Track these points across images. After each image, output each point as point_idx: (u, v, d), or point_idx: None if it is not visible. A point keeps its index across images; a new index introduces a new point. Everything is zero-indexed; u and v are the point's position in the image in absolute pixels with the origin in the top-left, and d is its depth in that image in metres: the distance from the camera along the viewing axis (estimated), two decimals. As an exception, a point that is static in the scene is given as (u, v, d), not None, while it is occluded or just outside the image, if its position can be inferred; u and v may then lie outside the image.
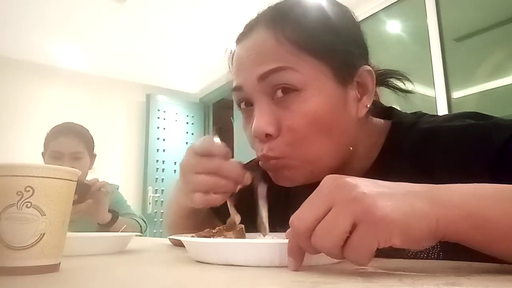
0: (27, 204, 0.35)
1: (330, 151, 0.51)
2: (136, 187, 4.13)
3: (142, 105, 4.36)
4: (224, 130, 4.89)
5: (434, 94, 2.15)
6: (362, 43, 0.57)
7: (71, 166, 0.40)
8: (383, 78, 0.60)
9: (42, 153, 1.54)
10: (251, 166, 0.54)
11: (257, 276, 0.34)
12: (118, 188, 1.71)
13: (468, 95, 2.06)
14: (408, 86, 0.60)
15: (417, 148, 0.52)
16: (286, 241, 0.38)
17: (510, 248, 0.33)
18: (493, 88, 1.94)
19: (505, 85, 1.89)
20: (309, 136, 0.50)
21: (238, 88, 0.55)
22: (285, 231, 0.38)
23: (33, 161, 0.39)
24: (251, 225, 0.54)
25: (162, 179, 4.19)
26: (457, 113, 0.55)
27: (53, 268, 0.37)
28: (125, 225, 1.34)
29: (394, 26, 2.53)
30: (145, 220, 1.64)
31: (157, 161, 4.21)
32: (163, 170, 4.22)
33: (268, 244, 0.40)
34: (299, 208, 0.36)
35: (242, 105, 0.57)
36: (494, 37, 1.98)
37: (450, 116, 0.55)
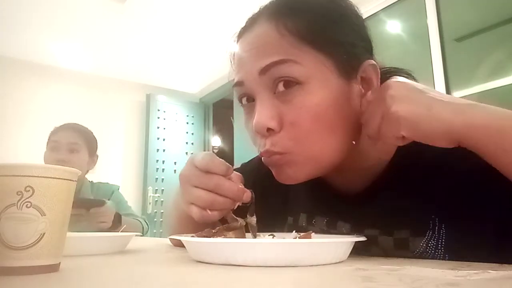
0: (27, 204, 0.35)
1: (333, 146, 0.50)
2: (136, 187, 4.13)
3: (142, 105, 4.36)
4: (224, 130, 4.90)
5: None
6: (366, 37, 0.56)
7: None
8: (388, 76, 0.60)
9: (45, 152, 1.55)
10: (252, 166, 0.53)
11: (257, 276, 0.34)
12: (118, 189, 1.71)
13: (468, 95, 2.05)
14: None
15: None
16: (286, 241, 0.38)
17: None
18: (493, 88, 1.94)
19: (505, 85, 1.89)
20: (312, 130, 0.49)
21: (239, 83, 0.54)
22: (283, 230, 0.38)
23: (34, 161, 0.39)
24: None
25: (162, 179, 4.19)
26: None
27: (53, 268, 0.37)
28: (125, 225, 1.34)
29: (394, 26, 2.53)
30: (147, 221, 1.65)
31: (157, 161, 4.21)
32: (163, 170, 4.22)
33: (268, 244, 0.40)
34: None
35: (244, 101, 0.56)
36: (494, 37, 1.98)
37: None
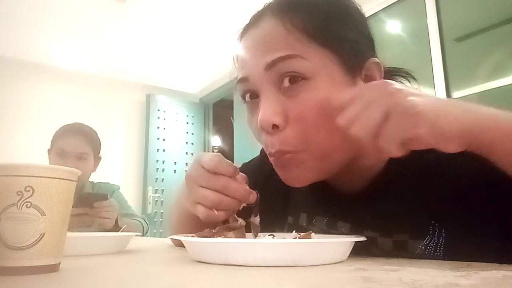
0: (27, 204, 0.35)
1: (339, 143, 0.49)
2: (136, 187, 4.12)
3: (142, 105, 4.36)
4: (224, 130, 4.89)
5: (434, 94, 2.15)
6: (369, 35, 0.56)
7: (75, 166, 0.40)
8: (389, 75, 0.60)
9: (48, 150, 1.55)
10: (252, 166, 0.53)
11: (257, 276, 0.34)
12: (118, 188, 1.71)
13: (468, 95, 2.06)
14: (412, 85, 0.59)
15: None
16: (286, 241, 0.38)
17: None
18: (493, 88, 1.94)
19: (505, 85, 1.89)
20: (319, 126, 0.48)
21: (243, 80, 0.53)
22: (283, 230, 0.38)
23: (34, 161, 0.39)
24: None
25: (162, 179, 4.19)
26: None
27: (53, 268, 0.37)
28: (125, 225, 1.34)
29: (394, 26, 2.53)
30: (147, 221, 1.65)
31: (157, 161, 4.21)
32: (163, 170, 4.22)
33: (268, 244, 0.40)
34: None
35: (247, 97, 0.55)
36: (494, 37, 1.98)
37: None
